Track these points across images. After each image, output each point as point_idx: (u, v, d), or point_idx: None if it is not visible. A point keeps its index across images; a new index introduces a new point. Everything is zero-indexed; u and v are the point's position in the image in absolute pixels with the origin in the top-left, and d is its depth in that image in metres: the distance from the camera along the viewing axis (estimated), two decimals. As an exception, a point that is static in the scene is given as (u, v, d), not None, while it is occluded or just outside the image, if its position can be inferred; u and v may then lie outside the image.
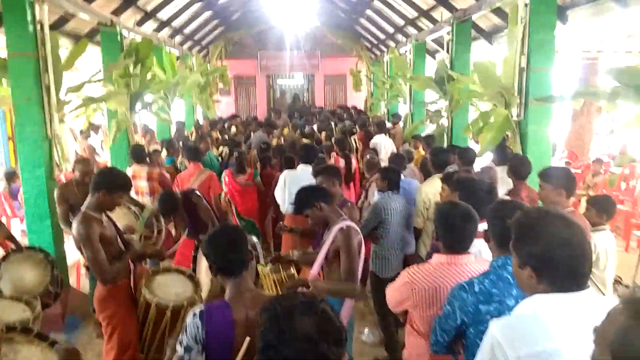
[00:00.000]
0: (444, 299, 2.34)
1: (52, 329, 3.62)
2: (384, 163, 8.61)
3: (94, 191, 3.18)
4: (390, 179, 4.32)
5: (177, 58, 11.43)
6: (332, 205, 3.23)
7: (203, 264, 3.48)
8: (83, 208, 3.20)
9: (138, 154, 6.03)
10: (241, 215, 6.02)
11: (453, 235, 2.38)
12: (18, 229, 6.94)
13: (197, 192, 4.58)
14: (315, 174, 4.08)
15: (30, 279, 3.57)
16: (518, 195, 4.07)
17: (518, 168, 4.29)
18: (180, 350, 1.98)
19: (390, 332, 4.27)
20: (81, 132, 9.86)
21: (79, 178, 4.53)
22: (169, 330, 3.04)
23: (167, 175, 6.21)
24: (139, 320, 3.17)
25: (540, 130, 5.43)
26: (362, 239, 3.19)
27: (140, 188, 5.86)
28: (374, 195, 5.05)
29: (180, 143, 7.91)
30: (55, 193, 4.67)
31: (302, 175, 5.20)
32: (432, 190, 4.35)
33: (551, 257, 1.53)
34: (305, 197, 3.19)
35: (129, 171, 5.91)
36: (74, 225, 3.14)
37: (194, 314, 1.98)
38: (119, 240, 3.35)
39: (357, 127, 10.80)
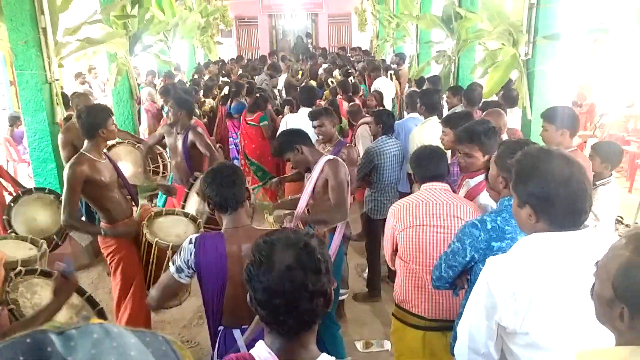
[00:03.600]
0: (425, 215, 2.58)
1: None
2: (389, 105, 8.55)
3: (86, 136, 3.16)
4: (384, 122, 4.25)
5: (176, -2, 11.05)
6: (312, 147, 3.23)
7: (193, 199, 3.51)
8: (82, 150, 3.20)
9: None
10: (247, 156, 6.06)
11: (424, 169, 2.71)
12: (25, 173, 7.01)
13: (199, 129, 4.50)
14: (313, 116, 4.00)
15: (43, 219, 3.65)
16: None
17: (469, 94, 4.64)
18: (172, 268, 2.09)
19: (374, 269, 4.36)
20: (77, 75, 9.69)
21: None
22: None
23: None
24: (143, 259, 3.28)
25: (549, 69, 5.30)
26: (348, 171, 3.20)
27: None
28: (361, 141, 5.12)
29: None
30: (59, 138, 4.67)
31: (304, 118, 5.13)
32: (426, 134, 4.27)
33: (550, 195, 1.52)
34: (285, 141, 3.15)
35: None
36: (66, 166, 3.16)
37: (190, 240, 2.08)
38: (120, 181, 3.39)
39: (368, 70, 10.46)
